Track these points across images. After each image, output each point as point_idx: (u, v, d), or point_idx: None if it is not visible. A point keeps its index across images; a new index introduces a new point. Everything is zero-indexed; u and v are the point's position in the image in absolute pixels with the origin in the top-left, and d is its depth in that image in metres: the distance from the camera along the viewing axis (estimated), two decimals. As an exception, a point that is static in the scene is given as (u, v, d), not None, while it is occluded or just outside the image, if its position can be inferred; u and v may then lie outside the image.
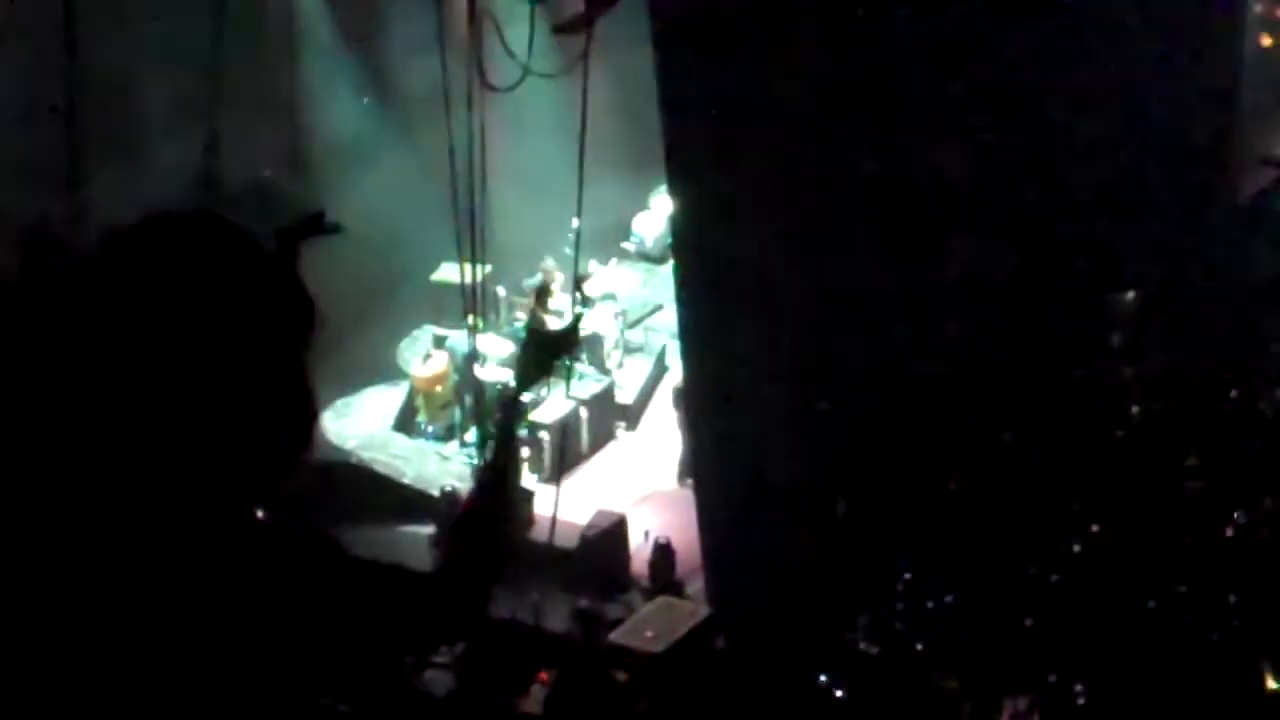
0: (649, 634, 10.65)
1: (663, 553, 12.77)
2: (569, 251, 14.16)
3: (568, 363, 12.93)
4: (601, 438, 15.16)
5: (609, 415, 15.32)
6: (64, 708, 1.98)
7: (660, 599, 11.85)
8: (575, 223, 12.93)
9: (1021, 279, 9.76)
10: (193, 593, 2.00)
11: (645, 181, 15.45)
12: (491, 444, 2.88)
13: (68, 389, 1.96)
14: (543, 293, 15.81)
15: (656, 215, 16.49)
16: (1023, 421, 9.59)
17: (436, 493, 14.01)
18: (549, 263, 15.82)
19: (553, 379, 3.10)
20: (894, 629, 9.35)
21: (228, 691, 2.03)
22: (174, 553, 2.00)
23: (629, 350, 16.04)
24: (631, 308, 16.28)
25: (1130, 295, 9.58)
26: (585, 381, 15.13)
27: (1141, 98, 9.61)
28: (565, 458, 14.31)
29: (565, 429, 14.49)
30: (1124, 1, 9.77)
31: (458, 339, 14.55)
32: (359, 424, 15.29)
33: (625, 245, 17.27)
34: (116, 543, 1.98)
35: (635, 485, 14.41)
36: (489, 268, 14.35)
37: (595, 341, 15.45)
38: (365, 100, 16.51)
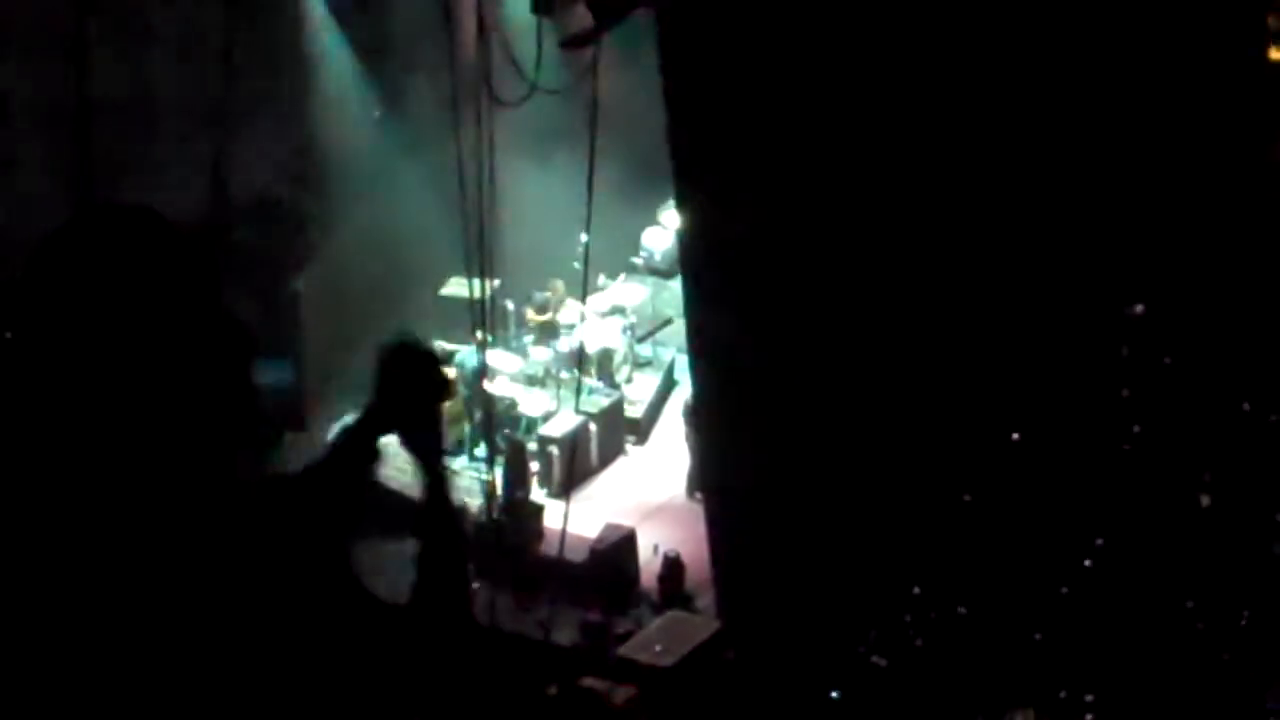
0: (658, 648, 10.64)
1: (672, 566, 12.76)
2: (578, 266, 14.16)
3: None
4: (611, 452, 15.15)
5: (618, 429, 15.31)
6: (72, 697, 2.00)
7: (670, 613, 11.85)
8: (584, 237, 12.93)
9: (1031, 289, 9.74)
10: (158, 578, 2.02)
11: (654, 196, 15.44)
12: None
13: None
14: (545, 308, 15.84)
15: (665, 230, 16.48)
16: (1033, 434, 9.57)
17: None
18: (557, 283, 15.83)
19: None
20: (904, 642, 9.33)
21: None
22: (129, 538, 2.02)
23: (638, 364, 16.03)
24: (640, 322, 16.28)
25: (1139, 306, 9.56)
26: (594, 396, 15.13)
27: (1156, 104, 9.58)
28: (574, 472, 14.30)
29: (574, 443, 14.49)
30: (1142, 7, 9.74)
31: (466, 353, 14.55)
32: (367, 438, 15.25)
33: (634, 260, 17.27)
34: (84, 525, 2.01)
35: (644, 499, 14.39)
36: (497, 282, 14.36)
37: (605, 356, 15.46)
38: (375, 115, 16.53)
